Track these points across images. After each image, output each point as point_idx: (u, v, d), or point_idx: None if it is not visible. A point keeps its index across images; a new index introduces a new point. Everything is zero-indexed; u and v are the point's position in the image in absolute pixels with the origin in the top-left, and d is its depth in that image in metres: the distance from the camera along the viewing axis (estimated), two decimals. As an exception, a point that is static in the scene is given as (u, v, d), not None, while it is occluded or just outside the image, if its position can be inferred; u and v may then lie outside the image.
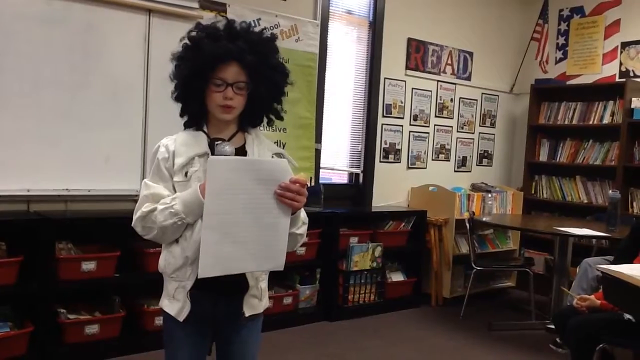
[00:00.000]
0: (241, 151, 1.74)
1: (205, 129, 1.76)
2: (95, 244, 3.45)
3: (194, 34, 1.72)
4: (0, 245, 3.11)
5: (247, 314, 1.74)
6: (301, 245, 4.09)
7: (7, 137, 3.21)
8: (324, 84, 4.59)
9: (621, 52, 5.30)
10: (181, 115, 1.79)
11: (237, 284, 1.71)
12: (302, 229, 1.74)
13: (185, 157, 1.69)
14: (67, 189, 3.41)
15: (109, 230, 3.48)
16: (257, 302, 1.77)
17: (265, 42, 1.75)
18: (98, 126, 3.49)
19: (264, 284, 1.80)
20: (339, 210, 4.51)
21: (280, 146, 4.28)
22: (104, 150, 3.52)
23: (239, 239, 1.57)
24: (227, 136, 1.75)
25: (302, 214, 1.73)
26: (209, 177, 1.53)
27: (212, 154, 1.69)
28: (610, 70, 5.37)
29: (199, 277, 1.59)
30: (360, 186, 4.98)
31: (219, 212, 1.54)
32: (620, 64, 5.30)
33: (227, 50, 1.65)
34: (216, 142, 1.69)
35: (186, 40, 1.72)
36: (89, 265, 3.29)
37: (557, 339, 3.82)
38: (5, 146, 3.21)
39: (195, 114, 1.76)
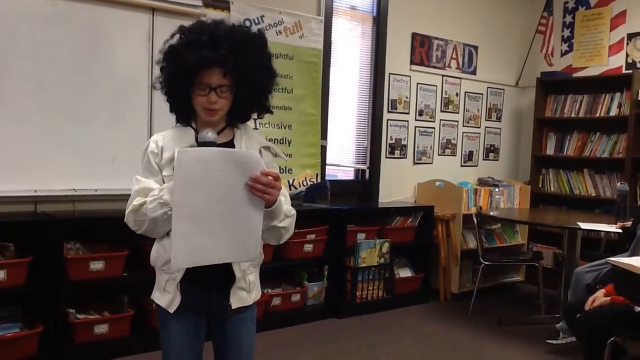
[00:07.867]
0: (229, 145, 1.75)
1: (194, 125, 1.77)
2: (103, 243, 3.46)
3: (175, 40, 1.69)
4: (9, 246, 3.13)
5: (234, 306, 1.74)
6: (308, 243, 4.16)
7: (14, 138, 3.22)
8: (329, 80, 4.58)
9: (627, 44, 5.26)
10: (171, 112, 1.80)
11: (224, 276, 1.72)
12: (285, 222, 1.72)
13: (172, 151, 1.68)
14: (74, 189, 3.42)
15: (116, 229, 3.42)
16: (245, 295, 1.77)
17: (251, 40, 1.72)
18: (104, 125, 3.50)
19: (252, 277, 1.80)
20: (345, 207, 4.50)
21: (286, 143, 4.28)
22: (111, 149, 3.53)
23: (210, 229, 1.55)
24: (216, 132, 1.74)
25: (285, 207, 1.71)
26: (177, 168, 1.51)
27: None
28: (617, 61, 5.33)
29: (171, 268, 1.65)
30: (366, 182, 4.97)
31: (189, 204, 1.53)
32: (627, 55, 5.26)
33: (208, 59, 1.64)
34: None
35: (167, 48, 1.70)
36: (97, 265, 3.30)
37: (554, 333, 3.94)
38: (12, 147, 3.22)
39: (183, 112, 1.77)
